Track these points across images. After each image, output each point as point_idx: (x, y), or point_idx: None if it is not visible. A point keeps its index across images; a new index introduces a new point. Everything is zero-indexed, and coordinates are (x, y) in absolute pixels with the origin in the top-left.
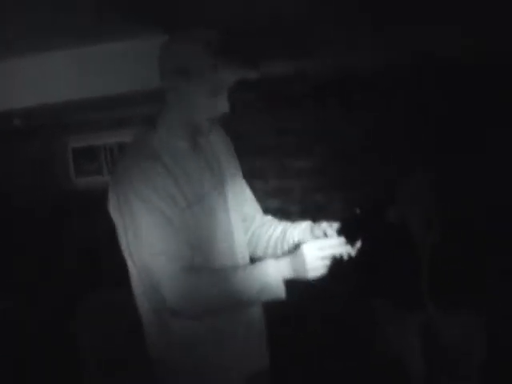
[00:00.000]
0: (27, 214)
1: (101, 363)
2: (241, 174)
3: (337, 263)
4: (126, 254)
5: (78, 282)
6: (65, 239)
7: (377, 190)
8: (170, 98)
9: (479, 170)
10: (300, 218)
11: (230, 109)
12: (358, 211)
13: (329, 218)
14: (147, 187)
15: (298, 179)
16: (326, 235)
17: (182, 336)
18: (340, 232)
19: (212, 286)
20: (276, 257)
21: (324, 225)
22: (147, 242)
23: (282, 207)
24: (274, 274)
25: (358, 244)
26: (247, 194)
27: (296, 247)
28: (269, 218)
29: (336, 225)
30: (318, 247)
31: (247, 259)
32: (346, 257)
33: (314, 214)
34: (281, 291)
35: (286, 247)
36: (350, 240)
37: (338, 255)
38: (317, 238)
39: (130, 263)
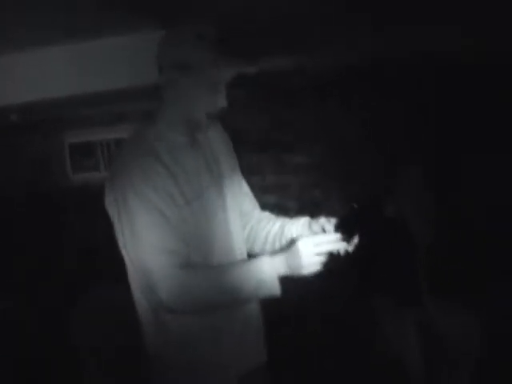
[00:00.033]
0: (24, 210)
1: (100, 361)
2: (239, 170)
3: (332, 259)
4: (123, 252)
5: (77, 279)
6: (62, 236)
7: (375, 185)
8: (168, 93)
9: (479, 170)
10: (297, 214)
11: (228, 104)
12: (355, 206)
13: (326, 213)
14: (145, 185)
15: (295, 175)
16: (324, 231)
17: (179, 334)
18: (338, 227)
19: (207, 283)
20: (271, 253)
21: (322, 220)
22: (144, 240)
23: (280, 203)
24: (269, 270)
25: (356, 239)
26: (245, 191)
27: (291, 243)
28: (266, 214)
29: (334, 220)
30: (314, 243)
31: (245, 255)
32: (341, 253)
33: (312, 209)
34: (276, 288)
35: (284, 243)
36: (348, 235)
37: (333, 251)
38: (315, 233)
39: (127, 260)
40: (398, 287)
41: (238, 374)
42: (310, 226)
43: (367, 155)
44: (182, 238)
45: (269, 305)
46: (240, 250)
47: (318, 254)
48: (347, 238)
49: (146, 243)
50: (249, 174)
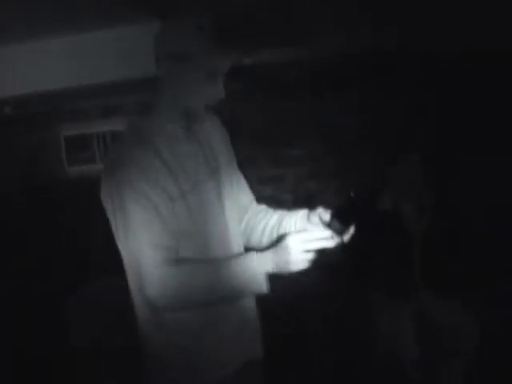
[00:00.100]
0: (19, 203)
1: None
2: (235, 163)
3: (327, 252)
4: (119, 245)
5: (73, 273)
6: (58, 229)
7: (371, 177)
8: (165, 84)
9: (478, 170)
10: (293, 207)
11: (226, 95)
12: (352, 194)
13: (322, 206)
14: (142, 181)
15: (290, 167)
16: (322, 220)
17: (177, 331)
18: (334, 216)
19: (194, 280)
20: (259, 250)
21: (320, 210)
22: (136, 234)
23: (275, 195)
24: (257, 267)
25: (352, 229)
26: (242, 184)
27: (280, 239)
28: (263, 207)
29: (331, 210)
30: (303, 240)
31: (242, 249)
32: (332, 250)
33: (308, 202)
34: (263, 285)
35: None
36: (344, 224)
37: (322, 248)
38: (314, 225)
39: (123, 254)
40: (393, 280)
41: (235, 370)
42: (308, 218)
43: (364, 148)
44: (174, 234)
45: (263, 300)
46: (237, 242)
47: (307, 251)
48: (343, 227)
49: (137, 238)
50: (244, 165)
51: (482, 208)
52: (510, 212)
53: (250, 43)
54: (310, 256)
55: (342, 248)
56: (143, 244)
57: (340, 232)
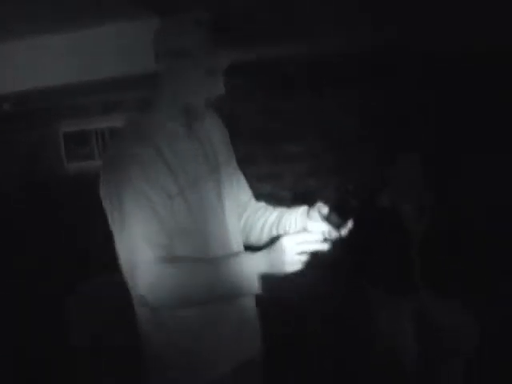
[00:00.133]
0: (18, 199)
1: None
2: (235, 161)
3: (317, 256)
4: (115, 241)
5: (72, 270)
6: (57, 225)
7: (370, 175)
8: (165, 80)
9: (478, 170)
10: (292, 204)
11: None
12: (350, 188)
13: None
14: (140, 176)
15: (289, 164)
16: (321, 215)
17: (177, 331)
18: (333, 210)
19: (185, 277)
20: (256, 248)
21: (319, 204)
22: (130, 229)
23: (274, 193)
24: (250, 268)
25: (349, 224)
26: (241, 182)
27: (274, 240)
28: (262, 204)
29: (330, 204)
30: (297, 242)
31: (241, 246)
32: (325, 253)
33: (306, 199)
34: (255, 286)
35: (281, 232)
36: (342, 218)
37: (316, 251)
38: (314, 220)
39: (118, 250)
40: (392, 277)
41: (235, 369)
42: (308, 214)
43: (363, 145)
44: (170, 232)
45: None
46: (236, 240)
47: (301, 253)
48: (341, 221)
49: (132, 234)
50: (242, 162)
51: (481, 208)
52: (510, 212)
53: (250, 40)
54: (304, 258)
55: (341, 244)
56: (137, 241)
57: (337, 225)
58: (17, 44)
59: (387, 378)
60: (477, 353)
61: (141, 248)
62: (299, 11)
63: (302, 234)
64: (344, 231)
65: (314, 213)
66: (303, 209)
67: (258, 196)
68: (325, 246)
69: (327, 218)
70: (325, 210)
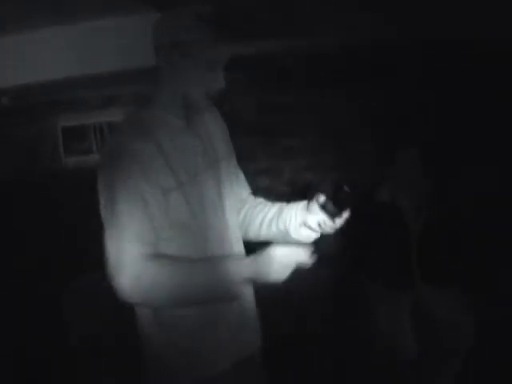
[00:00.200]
0: (16, 193)
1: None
2: (234, 157)
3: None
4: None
5: (70, 265)
6: (55, 220)
7: (369, 170)
8: (165, 74)
9: (478, 170)
10: (291, 199)
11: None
12: (345, 188)
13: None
14: (138, 171)
15: (288, 159)
16: (317, 202)
17: (176, 331)
18: (329, 199)
19: (167, 277)
20: (254, 248)
21: (317, 195)
22: (119, 224)
23: (273, 188)
24: (234, 273)
25: (345, 214)
26: (240, 177)
27: (264, 248)
28: (261, 199)
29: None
30: (285, 254)
31: (241, 242)
32: (308, 266)
33: (305, 194)
34: (238, 290)
35: (281, 227)
36: (338, 208)
37: (302, 264)
38: (314, 213)
39: (105, 243)
40: (391, 272)
41: (234, 369)
42: (308, 208)
43: (362, 139)
44: (159, 227)
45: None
46: (235, 235)
47: (287, 265)
48: (336, 210)
49: (120, 229)
50: (240, 157)
51: (482, 208)
52: (510, 212)
53: (250, 34)
54: (290, 269)
55: (340, 238)
56: (126, 236)
57: (333, 215)
58: (15, 38)
59: (387, 378)
60: (476, 353)
61: (128, 243)
62: (299, 10)
63: (291, 246)
64: (339, 221)
65: (314, 206)
66: (303, 204)
67: (257, 191)
68: (312, 260)
69: (323, 207)
70: (322, 198)
